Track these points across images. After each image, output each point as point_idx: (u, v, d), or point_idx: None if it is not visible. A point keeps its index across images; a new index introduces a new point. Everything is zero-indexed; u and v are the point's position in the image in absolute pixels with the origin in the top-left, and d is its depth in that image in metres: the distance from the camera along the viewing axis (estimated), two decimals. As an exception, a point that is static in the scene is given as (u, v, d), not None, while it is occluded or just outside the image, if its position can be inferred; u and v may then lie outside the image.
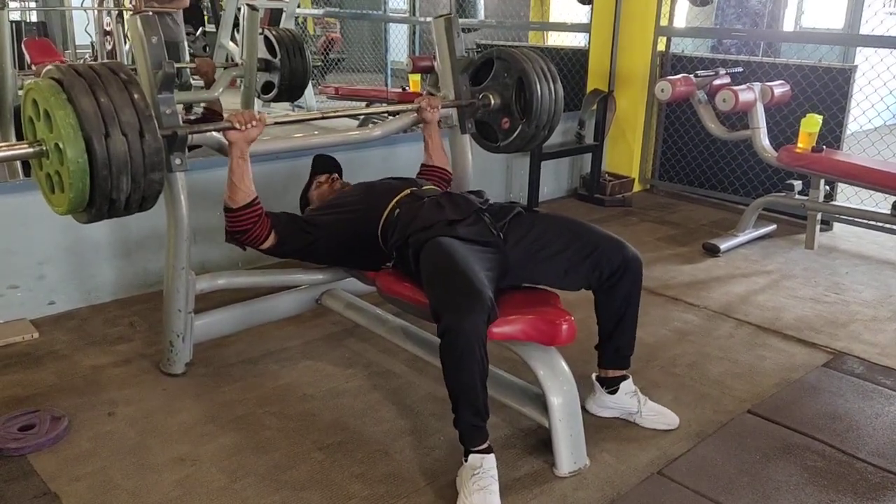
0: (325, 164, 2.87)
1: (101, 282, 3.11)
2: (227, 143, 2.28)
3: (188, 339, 2.49)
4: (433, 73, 5.05)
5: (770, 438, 2.22)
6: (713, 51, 6.55)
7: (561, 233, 2.17)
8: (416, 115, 2.82)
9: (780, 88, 3.89)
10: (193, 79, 6.32)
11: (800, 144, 3.72)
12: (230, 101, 5.56)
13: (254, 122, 2.25)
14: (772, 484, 2.01)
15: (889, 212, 3.57)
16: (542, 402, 2.05)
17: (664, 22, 4.80)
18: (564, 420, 2.02)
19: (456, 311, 1.81)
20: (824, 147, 3.69)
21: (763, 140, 3.87)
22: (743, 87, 3.77)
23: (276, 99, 5.08)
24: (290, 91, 4.97)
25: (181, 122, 2.24)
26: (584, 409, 2.29)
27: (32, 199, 2.57)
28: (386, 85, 8.35)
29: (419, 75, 5.50)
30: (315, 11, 9.36)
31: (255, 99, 5.04)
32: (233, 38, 6.48)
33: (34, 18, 9.51)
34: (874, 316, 3.13)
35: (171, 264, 2.37)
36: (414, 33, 7.08)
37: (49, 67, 1.95)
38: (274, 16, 7.55)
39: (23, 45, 6.21)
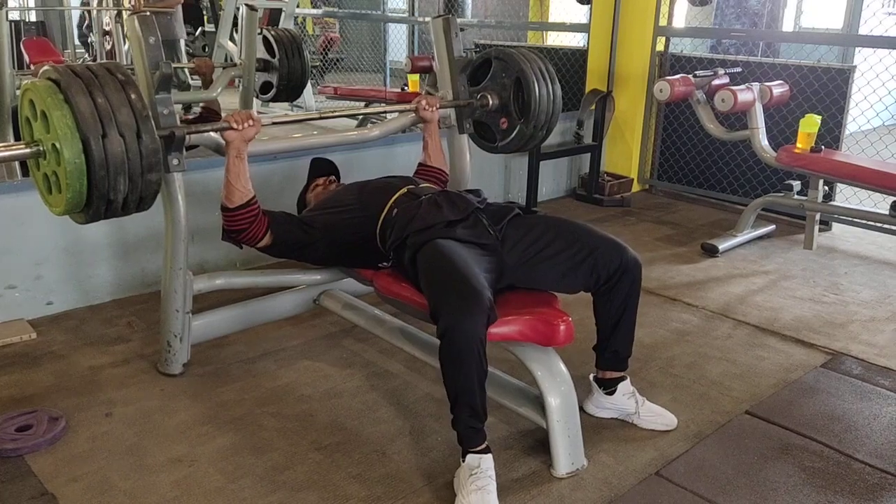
0: (322, 167, 2.87)
1: (99, 282, 3.11)
2: (224, 143, 2.28)
3: (186, 339, 2.49)
4: (432, 73, 5.05)
5: (768, 439, 2.22)
6: (712, 51, 6.56)
7: (559, 235, 2.17)
8: (414, 115, 2.82)
9: (778, 89, 3.89)
10: (192, 78, 6.32)
11: (799, 145, 3.71)
12: (229, 101, 5.56)
13: (250, 122, 2.25)
14: (769, 485, 2.01)
15: (888, 212, 3.57)
16: (539, 403, 2.05)
17: (663, 22, 4.80)
18: (562, 421, 2.02)
19: (455, 312, 1.81)
20: (823, 147, 3.69)
21: (762, 140, 3.86)
22: (742, 87, 3.77)
23: (275, 99, 5.08)
24: (289, 91, 4.97)
25: (179, 122, 2.24)
26: (582, 409, 2.30)
27: (30, 199, 2.57)
28: (385, 85, 8.35)
29: (418, 75, 5.49)
30: (314, 11, 9.35)
31: (254, 99, 5.03)
32: (232, 38, 6.47)
33: (33, 18, 9.51)
34: (872, 316, 3.13)
35: (169, 265, 2.37)
36: (413, 33, 7.07)
37: (46, 68, 1.95)
38: (273, 16, 7.55)
39: (21, 45, 6.21)
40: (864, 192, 3.97)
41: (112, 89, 1.91)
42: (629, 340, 2.23)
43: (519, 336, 1.99)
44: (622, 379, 2.26)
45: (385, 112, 3.80)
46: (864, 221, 4.07)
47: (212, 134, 2.32)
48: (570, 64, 5.28)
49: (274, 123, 2.57)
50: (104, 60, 7.10)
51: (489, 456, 1.91)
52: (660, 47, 4.86)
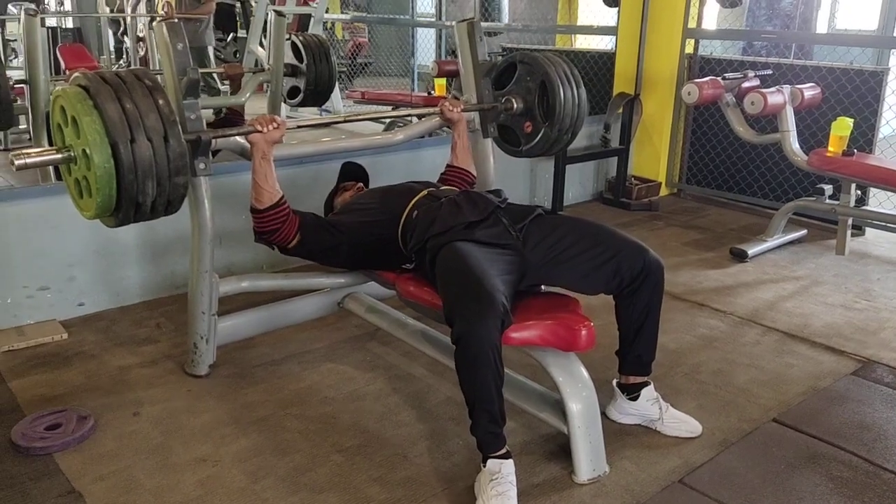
0: (352, 171, 2.88)
1: (129, 284, 3.16)
2: (248, 146, 2.31)
3: (212, 341, 2.52)
4: (458, 77, 5.05)
5: (795, 448, 2.18)
6: (744, 54, 6.47)
7: (582, 236, 2.16)
8: (438, 118, 2.83)
9: (810, 91, 3.83)
10: (223, 84, 6.41)
11: (830, 148, 3.65)
12: (258, 106, 5.63)
13: (274, 125, 2.28)
14: (796, 494, 1.97)
15: (923, 217, 3.49)
16: (561, 408, 2.03)
17: (692, 24, 4.75)
18: (583, 426, 2.01)
19: (468, 317, 1.80)
20: (855, 150, 3.62)
21: (793, 143, 3.81)
22: (772, 89, 3.72)
23: (302, 103, 5.13)
24: (316, 96, 5.02)
25: (205, 126, 2.27)
26: (605, 415, 2.28)
27: (63, 202, 2.61)
28: (412, 89, 8.38)
29: (445, 79, 5.51)
30: (343, 16, 9.43)
31: (282, 104, 5.09)
32: (262, 44, 6.55)
33: (70, 25, 9.73)
34: (906, 323, 3.07)
35: (195, 267, 2.41)
36: (440, 37, 7.10)
37: (76, 74, 1.99)
38: (303, 21, 7.63)
39: (57, 51, 6.36)
40: (899, 197, 3.89)
41: (140, 95, 1.95)
42: (652, 345, 2.21)
43: (540, 341, 1.98)
44: (646, 384, 2.24)
45: (409, 116, 3.82)
46: (898, 226, 3.98)
47: (237, 138, 2.36)
48: (598, 67, 5.26)
49: (299, 127, 2.60)
50: (137, 66, 7.24)
51: (510, 461, 1.90)
52: (689, 49, 4.82)
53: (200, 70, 6.18)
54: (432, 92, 5.88)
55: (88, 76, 1.96)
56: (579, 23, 7.84)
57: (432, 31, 7.39)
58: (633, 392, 2.25)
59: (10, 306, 2.87)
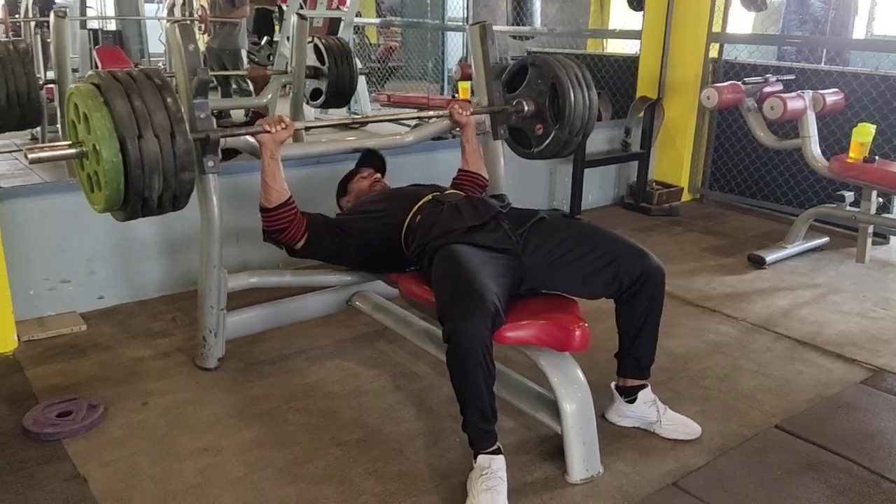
0: (373, 159, 2.88)
1: (147, 278, 3.25)
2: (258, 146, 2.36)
3: (220, 334, 2.58)
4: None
5: (795, 454, 2.16)
6: (779, 59, 6.38)
7: (582, 240, 2.16)
8: (448, 121, 2.86)
9: (832, 97, 3.77)
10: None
11: (851, 154, 3.59)
12: (285, 109, 5.71)
13: (282, 125, 2.32)
14: (791, 500, 1.95)
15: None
16: (555, 409, 2.05)
17: (717, 28, 4.71)
18: (577, 427, 2.01)
19: (458, 316, 1.82)
20: (877, 157, 3.56)
21: (814, 149, 3.75)
22: (792, 94, 3.67)
23: (324, 105, 5.20)
24: (338, 97, 5.08)
25: (215, 125, 2.33)
26: (604, 417, 2.29)
27: (84, 198, 2.70)
28: (442, 92, 8.44)
29: (469, 82, 5.53)
30: (371, 20, 9.52)
31: (304, 105, 5.17)
32: (291, 47, 6.66)
33: (112, 27, 9.97)
34: (924, 333, 3.01)
35: (204, 262, 2.47)
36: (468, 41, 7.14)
37: (90, 73, 2.06)
38: (333, 25, 7.72)
39: (94, 52, 6.55)
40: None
41: (149, 93, 2.00)
42: (651, 348, 2.20)
43: (534, 340, 1.99)
44: (643, 387, 2.24)
45: (422, 117, 3.86)
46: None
47: (248, 138, 2.41)
48: (623, 71, 5.24)
49: (312, 127, 2.64)
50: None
51: (500, 457, 1.92)
52: (714, 54, 4.77)
53: (232, 73, 6.32)
54: (456, 95, 5.91)
55: (101, 74, 2.03)
56: (611, 27, 7.82)
57: (461, 35, 7.44)
58: (630, 395, 2.24)
59: (33, 298, 2.97)
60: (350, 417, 2.33)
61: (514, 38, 6.90)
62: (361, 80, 6.60)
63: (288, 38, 6.18)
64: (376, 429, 2.27)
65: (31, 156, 1.98)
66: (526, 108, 2.94)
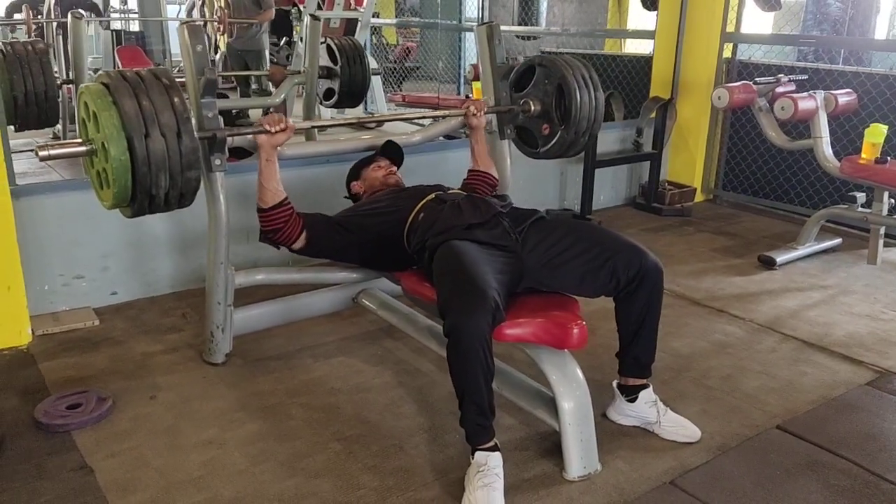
0: (391, 150, 2.88)
1: (160, 275, 3.30)
2: (262, 145, 2.40)
3: (228, 330, 2.62)
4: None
5: (795, 455, 2.15)
6: (798, 59, 6.32)
7: (580, 239, 2.17)
8: (455, 120, 2.88)
9: (845, 97, 3.74)
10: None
11: (863, 155, 3.56)
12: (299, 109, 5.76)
13: (282, 126, 2.36)
14: (788, 500, 1.95)
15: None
16: (554, 406, 2.06)
17: (730, 28, 4.69)
18: (574, 424, 2.02)
19: (459, 311, 1.85)
20: (889, 158, 3.53)
21: (826, 150, 3.72)
22: (804, 95, 3.65)
23: (337, 105, 5.25)
24: (350, 97, 5.12)
25: (223, 125, 2.37)
26: (605, 416, 2.30)
27: (96, 195, 2.77)
28: (458, 92, 8.46)
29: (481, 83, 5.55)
30: (388, 21, 9.55)
31: (317, 105, 5.21)
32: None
33: (135, 28, 10.10)
34: (933, 336, 2.98)
35: (212, 259, 2.51)
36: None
37: (100, 72, 2.11)
38: (350, 26, 7.77)
39: (115, 53, 6.66)
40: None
41: (157, 93, 2.05)
42: (651, 347, 2.21)
43: (533, 338, 2.01)
44: (644, 387, 2.24)
45: (434, 116, 3.88)
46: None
47: (251, 137, 2.45)
48: (637, 71, 5.23)
49: (322, 127, 2.67)
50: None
51: (497, 454, 1.94)
52: (727, 54, 4.75)
53: (254, 73, 6.35)
54: (470, 95, 5.94)
55: (111, 74, 2.08)
56: (629, 27, 7.80)
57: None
58: (631, 394, 2.25)
59: (47, 293, 3.03)
60: (352, 413, 2.36)
61: (520, 38, 6.90)
62: (377, 80, 6.64)
63: (302, 39, 6.24)
64: (377, 424, 2.30)
65: (41, 153, 2.04)
66: (532, 107, 2.95)
